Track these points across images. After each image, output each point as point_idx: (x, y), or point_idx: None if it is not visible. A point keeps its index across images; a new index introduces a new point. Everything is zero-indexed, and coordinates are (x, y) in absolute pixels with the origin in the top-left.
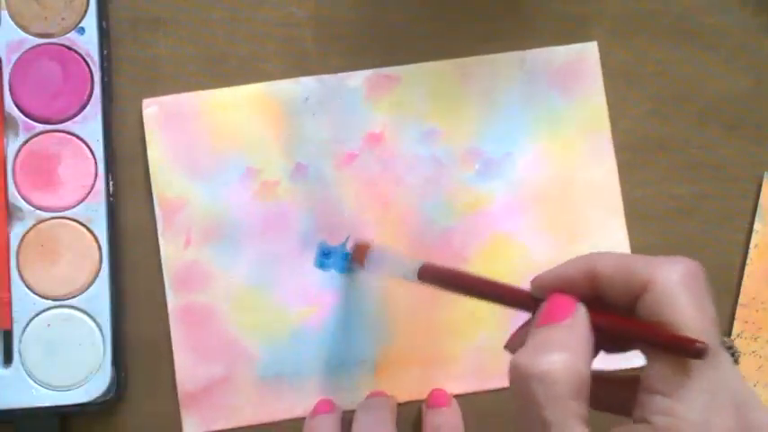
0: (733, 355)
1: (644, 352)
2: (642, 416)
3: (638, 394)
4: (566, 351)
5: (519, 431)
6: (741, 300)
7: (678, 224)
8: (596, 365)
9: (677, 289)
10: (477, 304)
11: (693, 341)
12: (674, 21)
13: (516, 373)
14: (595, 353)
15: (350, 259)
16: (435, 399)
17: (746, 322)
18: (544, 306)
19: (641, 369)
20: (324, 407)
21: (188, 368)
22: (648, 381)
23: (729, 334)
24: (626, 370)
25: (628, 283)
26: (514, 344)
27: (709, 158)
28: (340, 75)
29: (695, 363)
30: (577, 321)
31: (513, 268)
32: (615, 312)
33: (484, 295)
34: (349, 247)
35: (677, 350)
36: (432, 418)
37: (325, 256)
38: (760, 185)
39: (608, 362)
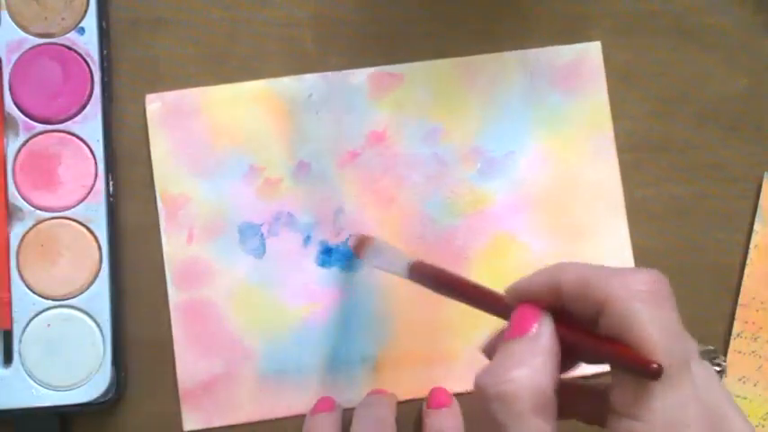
0: (716, 362)
1: (610, 367)
2: None
3: (609, 417)
4: (526, 367)
5: None
6: (741, 300)
7: (678, 224)
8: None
9: (635, 306)
10: None
11: (649, 362)
12: (674, 21)
13: (479, 394)
14: (571, 364)
15: (351, 250)
16: (435, 399)
17: (746, 322)
18: (510, 319)
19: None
20: (324, 405)
21: (189, 364)
22: (614, 399)
23: (729, 334)
24: (597, 375)
25: (587, 299)
26: (489, 349)
27: (709, 158)
28: (343, 72)
29: (657, 382)
30: (541, 333)
31: (515, 268)
32: (581, 325)
33: (467, 299)
34: (351, 239)
35: (635, 370)
36: (432, 421)
37: (326, 254)
38: (760, 185)
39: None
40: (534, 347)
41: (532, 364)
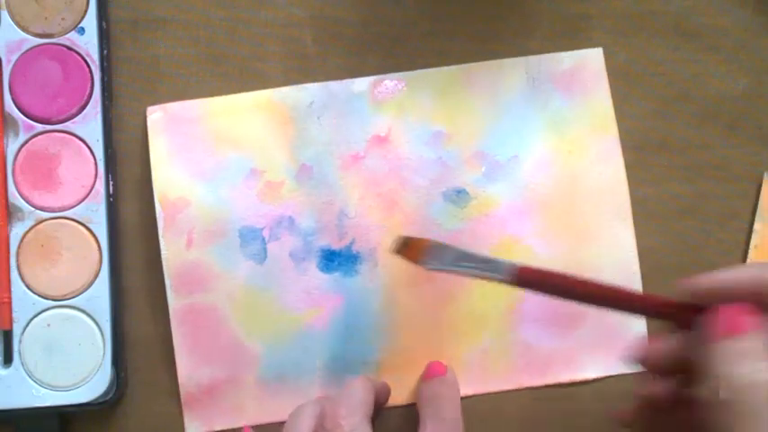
0: None
1: None
2: None
3: None
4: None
5: None
6: None
7: (678, 224)
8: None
9: None
10: (480, 306)
11: None
12: (674, 21)
13: (728, 387)
14: None
15: (402, 255)
16: (430, 370)
17: None
18: (720, 318)
19: None
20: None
21: (190, 369)
22: None
23: None
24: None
25: None
26: (647, 356)
27: (709, 158)
28: (345, 81)
29: None
30: (760, 330)
31: None
32: None
33: (608, 304)
34: (393, 245)
35: None
36: (426, 388)
37: (329, 259)
38: (760, 185)
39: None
40: (759, 343)
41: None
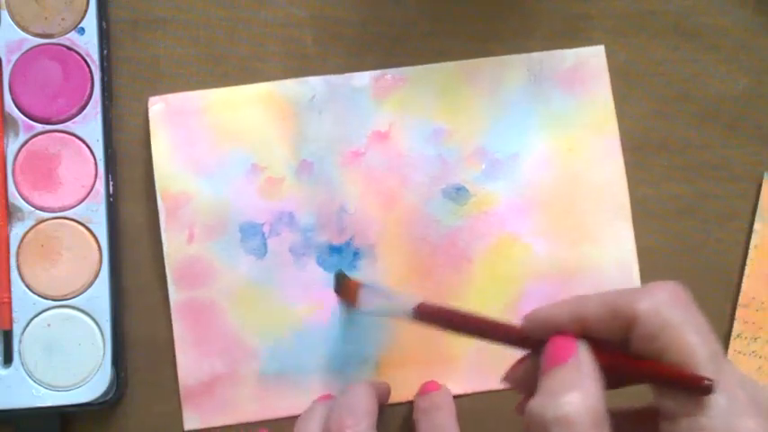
0: None
1: (651, 386)
2: None
3: (661, 424)
4: (577, 390)
5: None
6: (741, 300)
7: (678, 224)
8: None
9: (666, 314)
10: (478, 303)
11: (699, 378)
12: (674, 21)
13: (534, 422)
14: (611, 388)
15: (339, 298)
16: (425, 387)
17: (746, 322)
18: (546, 350)
19: (654, 400)
20: (322, 398)
21: (189, 364)
22: (666, 409)
23: (729, 334)
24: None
25: (615, 321)
26: (513, 377)
27: (709, 158)
28: (346, 75)
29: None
30: (582, 359)
31: (518, 269)
32: (612, 350)
33: (479, 334)
34: (338, 285)
35: (684, 386)
36: (422, 401)
37: (328, 255)
38: (760, 185)
39: None
40: (580, 372)
41: (582, 386)
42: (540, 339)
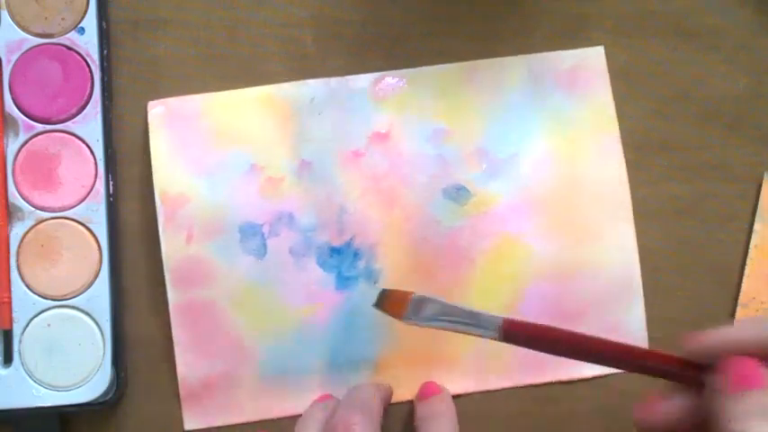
0: None
1: None
2: None
3: None
4: None
5: None
6: (741, 300)
7: (678, 224)
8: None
9: None
10: (479, 303)
11: None
12: (675, 21)
13: None
14: None
15: (380, 308)
16: (425, 390)
17: None
18: (731, 371)
19: None
20: (322, 398)
21: (189, 364)
22: None
23: None
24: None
25: None
26: (647, 416)
27: (709, 158)
28: (346, 77)
29: None
30: None
31: (519, 269)
32: None
33: (610, 361)
34: (377, 299)
35: None
36: (423, 408)
37: (328, 255)
38: (760, 185)
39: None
40: None
41: None
42: (698, 364)
